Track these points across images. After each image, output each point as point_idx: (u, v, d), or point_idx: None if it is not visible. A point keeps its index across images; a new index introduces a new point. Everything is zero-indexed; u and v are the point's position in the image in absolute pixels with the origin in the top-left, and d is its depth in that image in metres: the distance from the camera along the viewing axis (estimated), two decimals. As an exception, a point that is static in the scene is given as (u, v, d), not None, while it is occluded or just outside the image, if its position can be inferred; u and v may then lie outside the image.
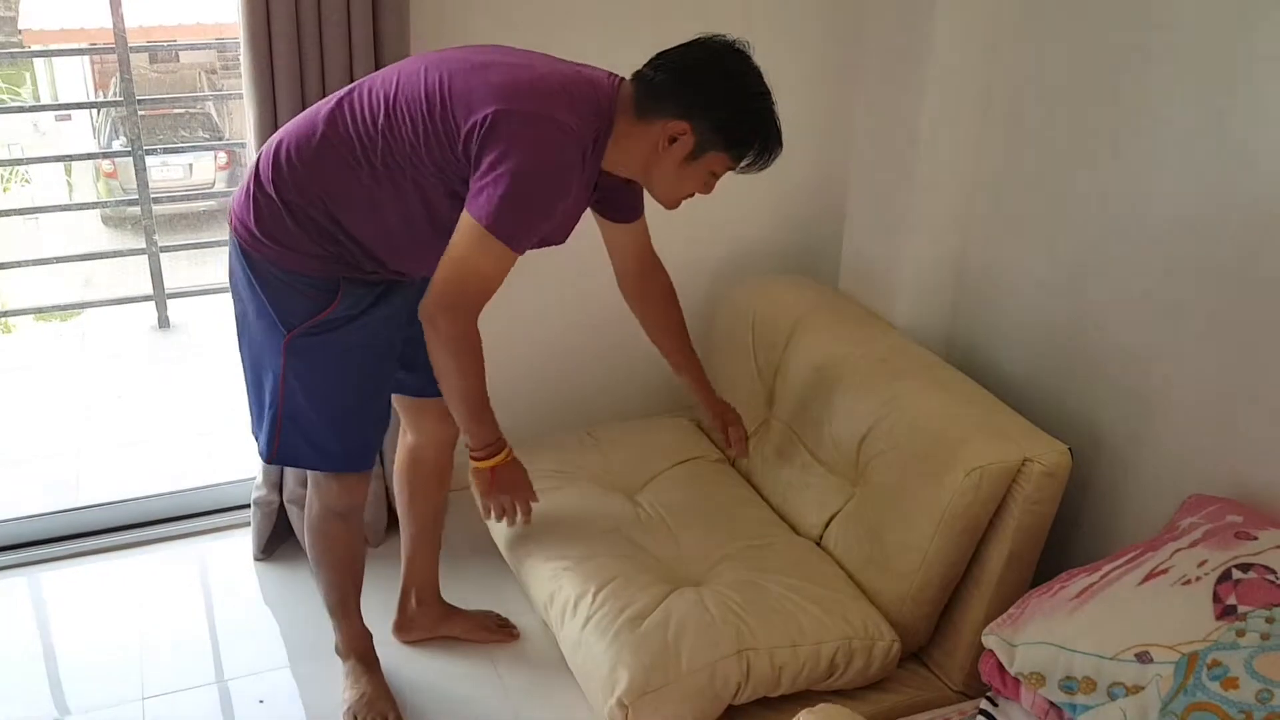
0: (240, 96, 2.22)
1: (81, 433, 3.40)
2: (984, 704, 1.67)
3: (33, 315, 5.01)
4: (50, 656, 2.32)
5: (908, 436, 1.97)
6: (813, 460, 2.21)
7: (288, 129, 1.77)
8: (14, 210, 5.12)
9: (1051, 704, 1.54)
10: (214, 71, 10.03)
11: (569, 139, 1.65)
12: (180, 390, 3.71)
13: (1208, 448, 1.83)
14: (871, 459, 2.03)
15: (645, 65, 1.73)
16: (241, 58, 2.14)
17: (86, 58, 9.33)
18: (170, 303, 4.06)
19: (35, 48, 8.64)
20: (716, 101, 1.70)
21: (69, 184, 9.18)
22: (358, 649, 2.13)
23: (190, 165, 8.60)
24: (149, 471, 2.94)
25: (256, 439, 1.95)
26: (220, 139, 9.08)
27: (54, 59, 9.79)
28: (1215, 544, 1.55)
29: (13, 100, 9.22)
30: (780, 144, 1.75)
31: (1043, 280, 2.17)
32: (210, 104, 8.87)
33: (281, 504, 2.51)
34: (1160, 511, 1.86)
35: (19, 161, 7.94)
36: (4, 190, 8.54)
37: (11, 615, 2.42)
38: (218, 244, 1.87)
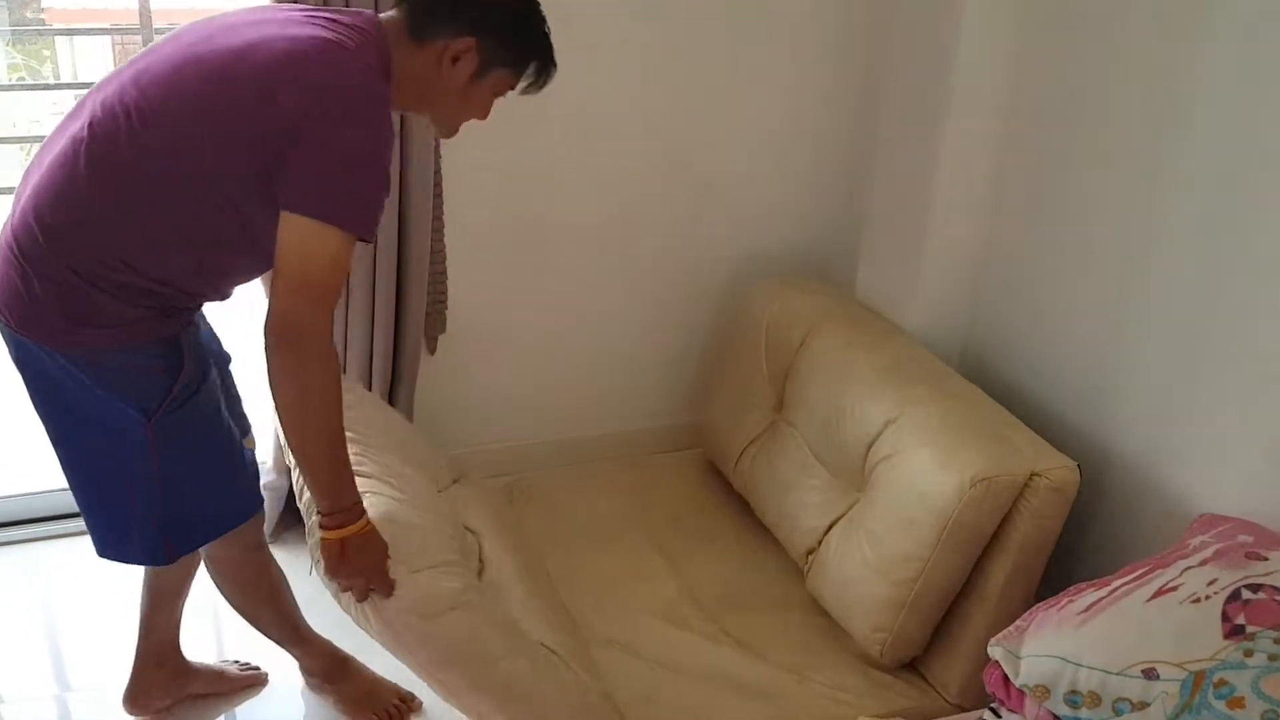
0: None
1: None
2: (986, 715, 1.66)
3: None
4: (52, 631, 2.33)
5: (915, 444, 1.97)
6: (818, 464, 2.21)
7: (35, 197, 1.51)
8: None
9: (1056, 717, 1.54)
10: (233, 56, 10.02)
11: (373, 92, 1.49)
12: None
13: (1220, 467, 1.82)
14: (877, 464, 2.03)
15: None
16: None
17: (109, 39, 9.33)
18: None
19: (58, 26, 8.66)
20: (497, 15, 1.59)
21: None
22: (326, 665, 2.10)
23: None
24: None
25: (122, 558, 1.76)
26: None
27: (75, 39, 9.79)
28: (1225, 563, 1.54)
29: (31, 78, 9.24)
30: (555, 64, 1.65)
31: (1060, 296, 2.16)
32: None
33: (291, 488, 2.51)
34: (1169, 530, 1.85)
35: (41, 139, 7.98)
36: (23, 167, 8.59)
37: (15, 590, 2.43)
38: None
